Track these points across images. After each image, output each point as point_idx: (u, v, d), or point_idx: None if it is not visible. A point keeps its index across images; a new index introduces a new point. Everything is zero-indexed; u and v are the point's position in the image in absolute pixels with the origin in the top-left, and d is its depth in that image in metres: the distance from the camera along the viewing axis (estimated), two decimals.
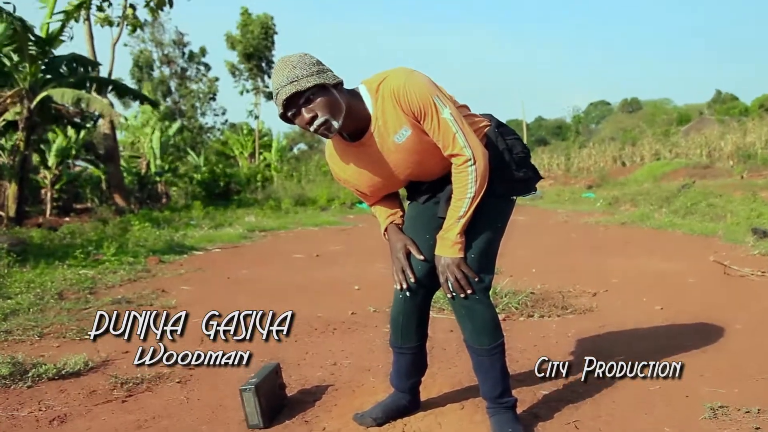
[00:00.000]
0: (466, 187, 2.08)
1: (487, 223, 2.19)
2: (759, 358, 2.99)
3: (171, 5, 16.77)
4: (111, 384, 2.86)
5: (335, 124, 2.01)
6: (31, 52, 11.81)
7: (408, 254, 2.24)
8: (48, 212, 15.59)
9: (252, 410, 2.34)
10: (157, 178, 21.02)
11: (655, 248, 7.17)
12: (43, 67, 12.47)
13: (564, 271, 5.73)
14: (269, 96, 32.48)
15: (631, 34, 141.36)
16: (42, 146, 15.64)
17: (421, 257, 2.22)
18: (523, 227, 10.37)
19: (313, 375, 2.97)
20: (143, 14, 17.55)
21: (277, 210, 15.62)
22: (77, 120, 13.97)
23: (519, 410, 2.34)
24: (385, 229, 2.35)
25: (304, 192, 20.28)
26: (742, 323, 3.64)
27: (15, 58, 11.78)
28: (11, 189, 11.92)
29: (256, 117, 32.04)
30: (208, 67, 37.00)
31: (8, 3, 11.21)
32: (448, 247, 2.13)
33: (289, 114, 2.04)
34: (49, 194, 16.53)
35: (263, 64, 31.23)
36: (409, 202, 2.41)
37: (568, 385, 2.74)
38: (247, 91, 31.94)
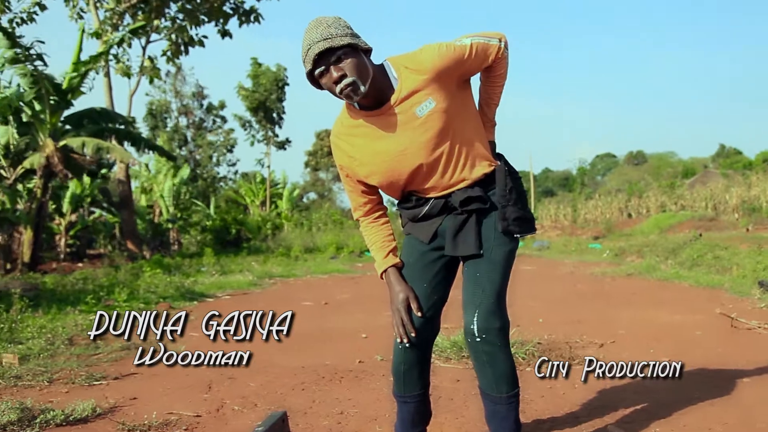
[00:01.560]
0: (505, 75, 2.24)
1: (505, 265, 2.18)
2: None
3: (186, 53, 17.22)
4: (118, 431, 2.84)
5: (362, 88, 2.01)
6: (52, 102, 12.08)
7: (409, 307, 2.21)
8: (62, 258, 15.66)
9: None
10: (170, 225, 21.14)
11: (661, 300, 7.10)
12: (63, 118, 12.74)
13: (571, 321, 5.67)
14: (279, 146, 32.96)
15: (637, 89, 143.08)
16: (57, 193, 15.82)
17: (420, 314, 2.20)
18: (530, 277, 10.32)
19: (319, 424, 2.93)
20: (165, 66, 18.01)
21: (287, 257, 15.64)
22: (93, 168, 14.18)
23: None
24: (384, 271, 2.31)
25: (313, 240, 20.30)
26: (750, 377, 3.59)
27: (37, 107, 12.06)
28: (27, 235, 12.02)
29: (267, 166, 32.45)
30: (224, 119, 37.62)
31: (42, 53, 11.49)
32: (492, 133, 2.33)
33: (317, 72, 2.03)
34: (63, 240, 16.64)
35: (274, 115, 31.76)
36: (406, 234, 2.36)
37: None
38: (258, 141, 32.43)
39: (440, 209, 2.21)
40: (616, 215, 31.55)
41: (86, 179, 16.69)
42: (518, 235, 2.20)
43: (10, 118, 12.35)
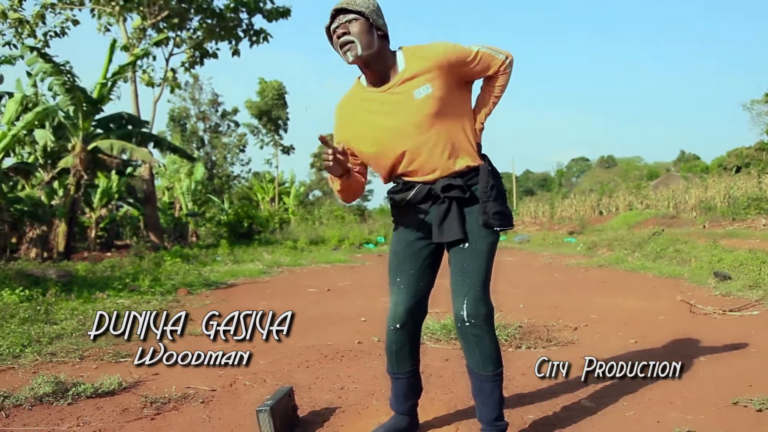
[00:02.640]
0: (504, 88, 2.24)
1: (488, 256, 2.17)
2: (721, 388, 2.94)
3: (202, 64, 17.20)
4: (142, 403, 2.83)
5: (359, 50, 2.07)
6: (84, 108, 12.05)
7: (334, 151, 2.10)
8: (92, 248, 15.60)
9: (267, 429, 2.30)
10: (188, 219, 21.09)
11: (629, 288, 7.11)
12: (94, 122, 12.72)
13: (549, 307, 5.67)
14: (285, 151, 33.03)
15: (609, 98, 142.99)
16: (88, 189, 15.77)
17: (339, 157, 2.11)
18: (512, 267, 10.33)
19: (322, 398, 2.93)
20: (183, 76, 17.95)
21: (294, 249, 15.60)
22: (121, 168, 14.15)
23: None
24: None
25: (317, 233, 20.26)
26: (705, 356, 3.60)
27: (71, 113, 12.06)
28: (61, 227, 12.00)
29: (276, 166, 32.53)
30: (237, 124, 37.57)
31: (67, 62, 11.53)
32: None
33: (333, 27, 2.11)
34: (93, 232, 16.59)
35: (279, 122, 31.91)
36: (395, 226, 2.33)
37: (552, 411, 2.69)
38: (266, 144, 32.55)
39: (424, 195, 2.18)
40: (589, 213, 31.58)
41: (114, 177, 16.63)
42: (498, 229, 2.18)
43: (47, 123, 12.34)
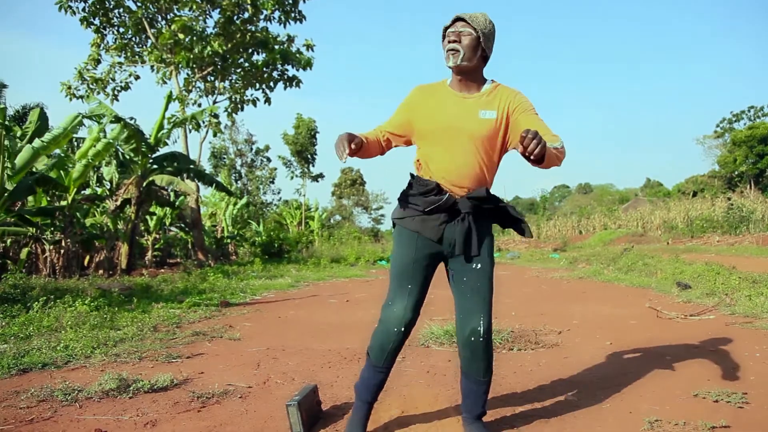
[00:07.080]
0: (555, 161, 1.99)
1: (492, 277, 2.15)
2: (683, 382, 2.90)
3: (242, 110, 17.43)
4: (190, 397, 2.84)
5: (460, 59, 2.06)
6: (143, 150, 12.29)
7: (346, 138, 2.00)
8: (149, 265, 15.69)
9: (295, 421, 2.30)
10: (229, 240, 21.17)
11: (604, 297, 7.04)
12: (150, 161, 12.94)
13: (536, 314, 5.63)
14: (314, 179, 33.21)
15: (585, 133, 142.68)
16: (145, 216, 15.93)
17: (348, 152, 1.98)
18: (505, 280, 10.26)
19: (342, 394, 2.93)
20: (224, 120, 18.16)
21: (318, 265, 15.59)
22: (172, 199, 14.29)
23: (501, 425, 2.29)
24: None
25: (338, 252, 20.23)
26: (670, 355, 3.55)
27: (132, 154, 12.33)
28: (124, 248, 12.12)
29: (303, 195, 32.63)
30: (269, 159, 37.88)
31: (133, 118, 11.94)
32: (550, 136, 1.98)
33: (450, 29, 2.08)
34: (150, 252, 16.71)
35: (308, 155, 32.10)
36: (400, 233, 2.21)
37: (541, 405, 2.67)
38: (296, 176, 32.69)
39: (449, 206, 2.10)
40: (570, 232, 31.35)
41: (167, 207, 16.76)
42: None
43: (113, 161, 12.59)
